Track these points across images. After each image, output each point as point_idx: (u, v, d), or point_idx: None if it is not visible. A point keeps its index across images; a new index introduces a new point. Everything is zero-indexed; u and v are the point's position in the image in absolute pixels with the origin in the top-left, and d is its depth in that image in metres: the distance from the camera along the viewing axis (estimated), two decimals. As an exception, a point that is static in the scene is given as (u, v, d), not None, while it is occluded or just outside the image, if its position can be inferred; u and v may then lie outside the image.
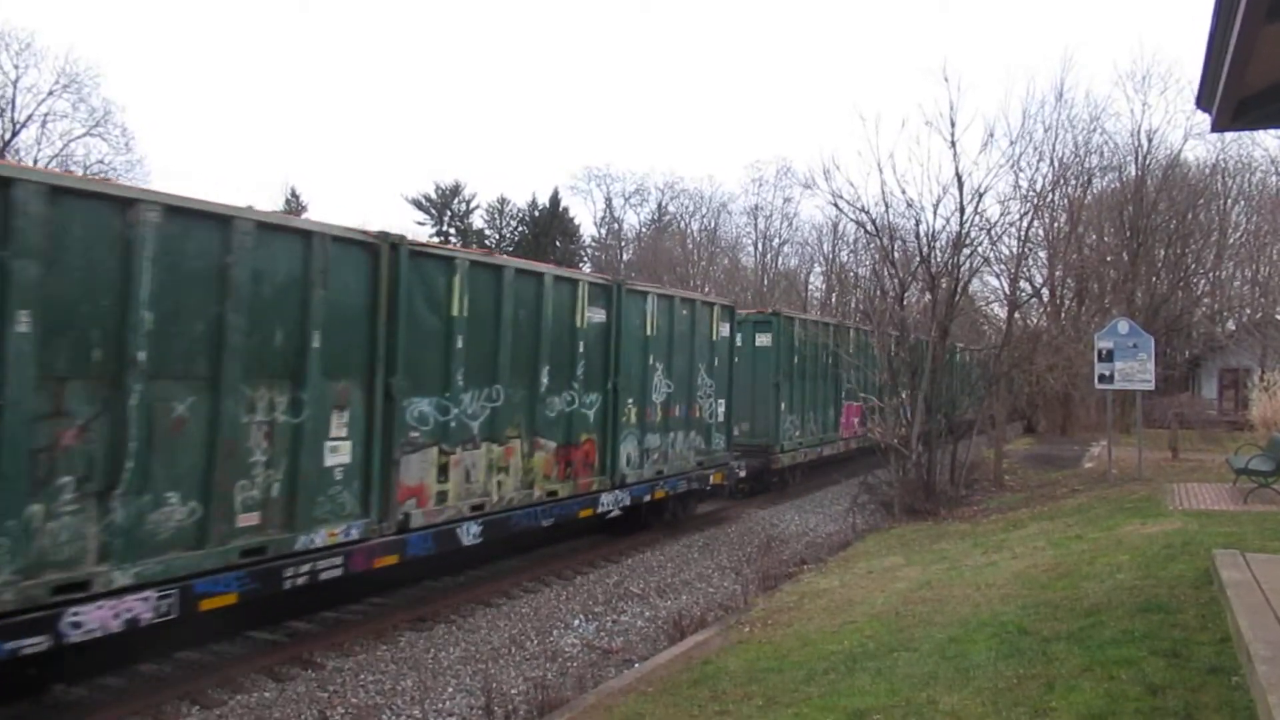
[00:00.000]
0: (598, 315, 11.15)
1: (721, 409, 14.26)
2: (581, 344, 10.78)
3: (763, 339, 16.97)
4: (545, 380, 10.08)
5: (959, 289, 16.13)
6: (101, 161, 38.61)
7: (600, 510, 11.17)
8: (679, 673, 6.62)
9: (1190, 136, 35.59)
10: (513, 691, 7.04)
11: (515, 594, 9.89)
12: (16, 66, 38.05)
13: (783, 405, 16.92)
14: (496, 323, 9.37)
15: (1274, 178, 36.24)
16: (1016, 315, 19.01)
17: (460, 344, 8.83)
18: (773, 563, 11.22)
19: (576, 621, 9.08)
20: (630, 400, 11.79)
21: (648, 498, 12.25)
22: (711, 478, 13.95)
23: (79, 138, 39.13)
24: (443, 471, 8.73)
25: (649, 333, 12.18)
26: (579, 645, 8.34)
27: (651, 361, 12.25)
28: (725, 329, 14.39)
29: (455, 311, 8.79)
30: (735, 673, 6.38)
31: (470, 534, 8.94)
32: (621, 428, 11.59)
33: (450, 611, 9.09)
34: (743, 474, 15.27)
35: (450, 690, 7.15)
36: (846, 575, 9.82)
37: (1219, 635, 5.50)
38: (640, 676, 6.69)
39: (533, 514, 9.92)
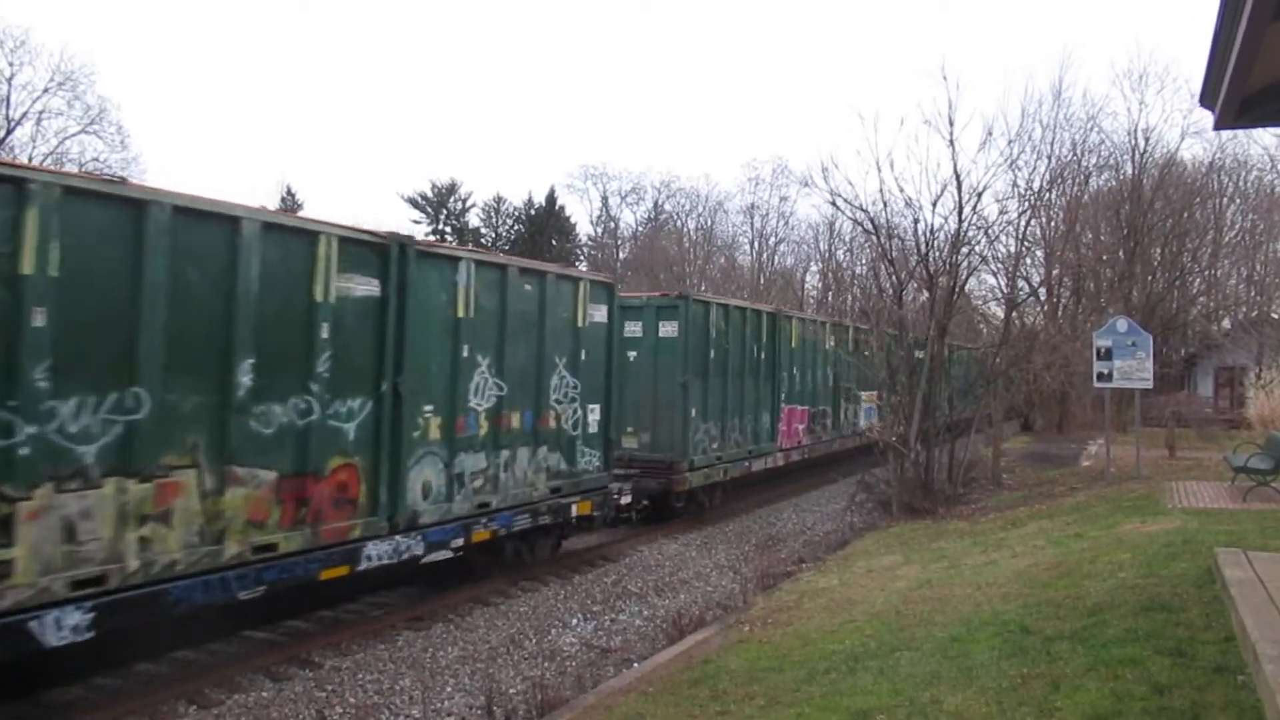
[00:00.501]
0: (362, 287, 8.04)
1: (595, 417, 11.29)
2: (325, 327, 7.60)
3: (668, 328, 13.59)
4: (247, 379, 6.92)
5: (957, 287, 16.12)
6: (96, 159, 38.44)
7: (363, 566, 7.96)
8: (679, 672, 6.60)
9: (1187, 135, 35.85)
10: (512, 691, 7.01)
11: (513, 593, 9.85)
12: (11, 64, 37.89)
13: (693, 411, 13.65)
14: (133, 289, 6.20)
15: (1270, 176, 36.36)
16: (1014, 314, 19.02)
17: (42, 320, 5.68)
18: (771, 561, 11.23)
19: (575, 620, 9.05)
20: (428, 408, 8.73)
21: (459, 541, 9.00)
22: (575, 508, 10.81)
23: (74, 135, 38.95)
24: (4, 529, 5.50)
25: (462, 314, 9.12)
26: (578, 644, 8.31)
27: (468, 353, 9.20)
28: (600, 313, 11.36)
29: (29, 269, 5.62)
30: (736, 672, 6.36)
31: (66, 627, 5.73)
32: (412, 446, 8.49)
33: (448, 611, 9.05)
34: (625, 500, 12.27)
35: (449, 690, 7.12)
36: (846, 574, 9.80)
37: (1223, 634, 5.48)
38: (640, 676, 6.67)
39: (220, 583, 6.67)
